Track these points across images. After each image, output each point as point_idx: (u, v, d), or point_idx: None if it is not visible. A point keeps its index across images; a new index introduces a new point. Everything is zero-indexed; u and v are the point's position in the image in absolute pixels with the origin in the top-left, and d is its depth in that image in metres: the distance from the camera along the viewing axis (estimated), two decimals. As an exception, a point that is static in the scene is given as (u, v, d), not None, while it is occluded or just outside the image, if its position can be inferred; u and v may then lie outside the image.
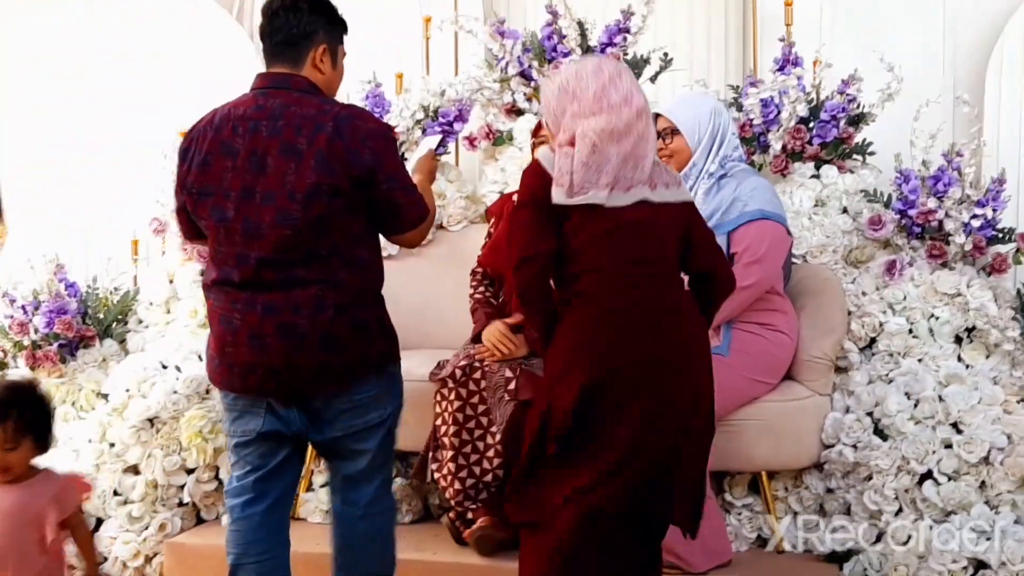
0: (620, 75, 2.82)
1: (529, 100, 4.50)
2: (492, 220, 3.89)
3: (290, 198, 2.64)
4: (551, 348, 2.82)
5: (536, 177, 2.78)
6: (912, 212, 3.92)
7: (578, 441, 2.73)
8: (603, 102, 2.76)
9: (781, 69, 4.25)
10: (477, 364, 3.49)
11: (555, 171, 2.74)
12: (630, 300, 2.75)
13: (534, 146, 3.75)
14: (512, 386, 3.43)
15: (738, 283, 3.42)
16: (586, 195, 2.71)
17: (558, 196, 2.71)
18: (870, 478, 3.55)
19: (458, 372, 3.47)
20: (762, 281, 3.50)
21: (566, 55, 4.41)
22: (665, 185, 2.82)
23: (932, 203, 3.88)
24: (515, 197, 3.77)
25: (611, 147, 2.72)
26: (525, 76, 4.48)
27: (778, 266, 3.59)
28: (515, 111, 4.52)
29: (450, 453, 3.45)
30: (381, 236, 2.87)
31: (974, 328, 3.80)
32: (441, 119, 4.40)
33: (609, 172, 2.72)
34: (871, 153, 4.25)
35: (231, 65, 4.91)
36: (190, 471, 3.88)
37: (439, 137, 3.26)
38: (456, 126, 4.44)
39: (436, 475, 3.48)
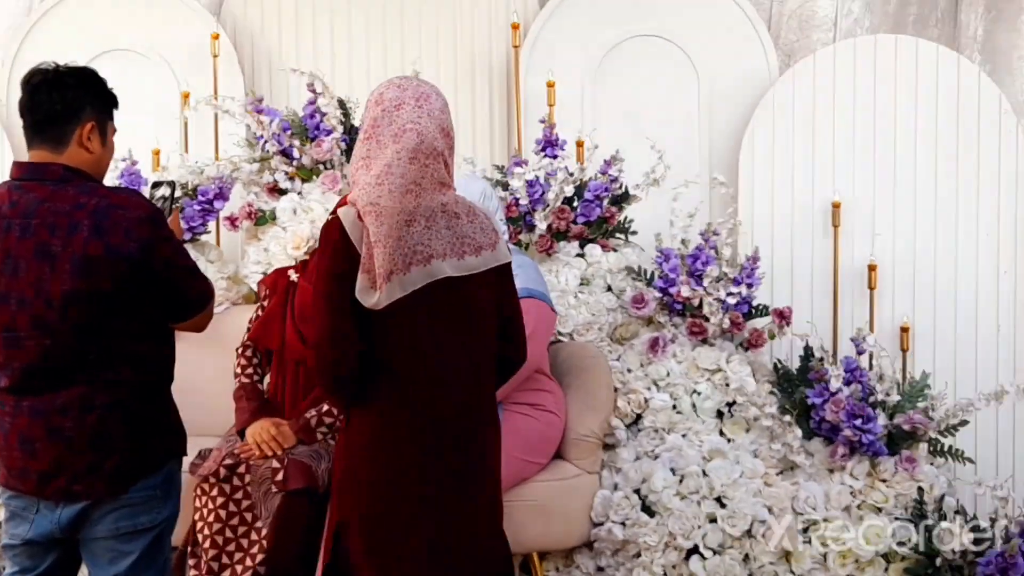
0: (401, 104, 2.54)
1: (291, 179, 4.40)
2: (265, 293, 3.74)
3: (47, 305, 2.45)
4: (344, 451, 2.63)
5: (339, 249, 2.49)
6: (673, 290, 4.00)
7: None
8: (371, 143, 2.53)
9: (544, 150, 4.30)
10: (242, 460, 3.34)
11: (361, 249, 2.48)
12: (434, 409, 2.55)
13: None
14: (279, 477, 3.28)
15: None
16: (391, 288, 2.46)
17: (366, 297, 2.47)
18: (639, 555, 3.58)
19: (222, 470, 3.31)
20: (531, 361, 3.48)
21: (328, 133, 4.34)
22: (476, 250, 2.57)
23: (687, 290, 3.96)
24: (292, 273, 3.66)
25: (393, 210, 2.47)
26: (286, 155, 4.38)
27: (545, 345, 3.61)
28: (277, 190, 4.40)
29: (212, 552, 3.26)
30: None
31: (734, 403, 3.90)
32: (201, 197, 4.26)
33: (403, 247, 2.47)
34: (633, 232, 4.33)
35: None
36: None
37: (164, 187, 2.97)
38: (216, 205, 4.31)
39: (193, 572, 3.29)
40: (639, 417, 3.87)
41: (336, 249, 2.51)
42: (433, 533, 2.58)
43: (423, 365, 2.54)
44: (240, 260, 4.47)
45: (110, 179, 4.10)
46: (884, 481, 3.73)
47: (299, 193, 4.38)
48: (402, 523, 2.57)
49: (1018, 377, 4.39)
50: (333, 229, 2.52)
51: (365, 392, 2.55)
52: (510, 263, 2.69)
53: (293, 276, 3.66)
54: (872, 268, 4.40)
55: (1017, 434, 4.45)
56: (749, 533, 3.59)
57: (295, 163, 4.41)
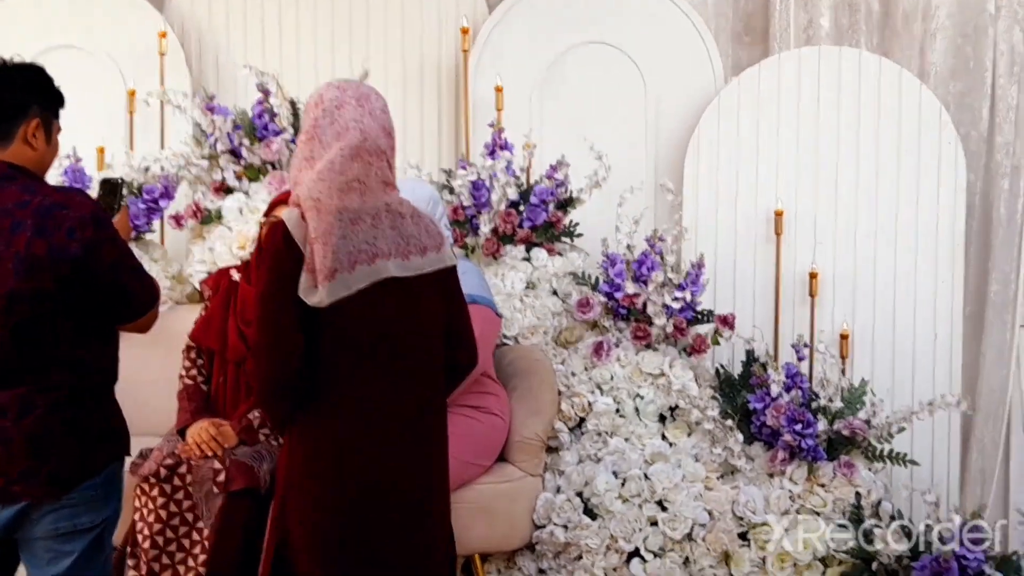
0: (342, 104, 2.53)
1: (239, 178, 4.40)
2: (208, 293, 3.73)
3: None
4: (288, 460, 2.61)
5: (282, 249, 2.48)
6: (618, 295, 4.03)
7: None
8: (314, 143, 2.52)
9: (492, 154, 4.32)
10: (183, 460, 3.32)
11: (305, 249, 2.46)
12: (381, 416, 2.53)
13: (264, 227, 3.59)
14: (221, 478, 3.27)
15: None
16: (335, 286, 2.45)
17: (309, 295, 2.45)
18: (580, 558, 3.60)
19: (162, 471, 3.29)
20: (477, 365, 3.50)
21: (277, 134, 4.34)
22: (421, 251, 2.57)
23: (635, 288, 4.00)
24: (234, 272, 3.65)
25: (335, 207, 2.46)
26: (235, 154, 4.37)
27: (489, 350, 3.62)
28: (224, 189, 4.39)
29: (153, 552, 3.24)
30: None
31: (677, 407, 3.93)
32: (146, 196, 4.23)
33: (347, 246, 2.46)
34: (579, 235, 4.37)
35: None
36: None
37: (112, 185, 2.96)
38: (162, 203, 4.28)
39: (132, 573, 3.26)
40: (582, 420, 3.90)
41: (279, 250, 2.49)
42: (384, 549, 2.57)
43: (369, 370, 2.53)
44: (185, 259, 4.43)
45: (54, 177, 4.09)
46: (823, 486, 3.78)
47: (246, 192, 4.38)
48: (350, 539, 2.55)
49: (954, 385, 4.48)
50: (276, 231, 2.51)
51: (307, 405, 2.54)
52: (455, 266, 2.70)
53: (235, 276, 3.65)
54: (813, 276, 4.46)
55: (952, 439, 4.53)
56: (690, 536, 3.63)
57: (243, 162, 4.40)
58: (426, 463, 2.64)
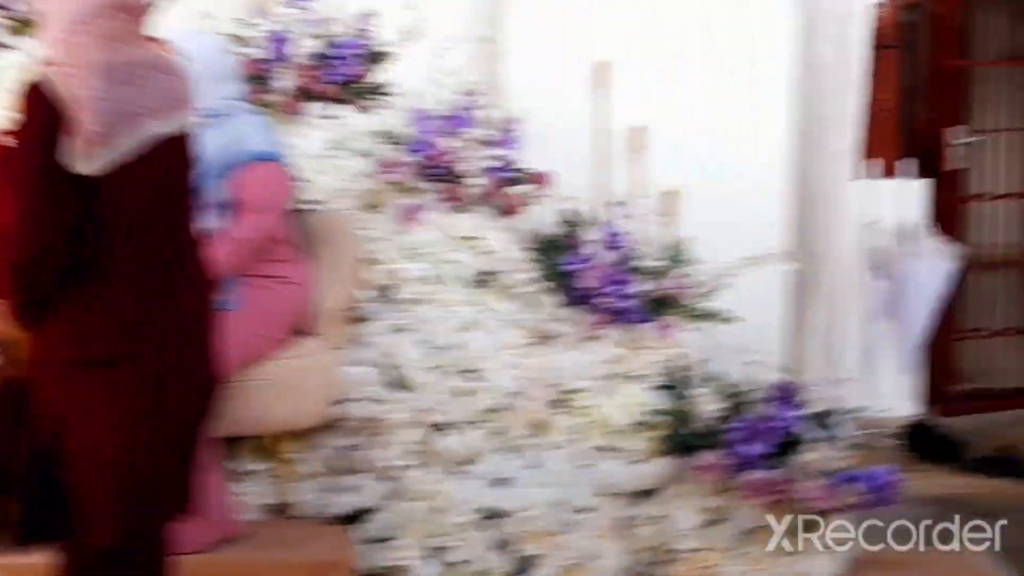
0: None
1: (14, 34, 4.07)
2: None
3: None
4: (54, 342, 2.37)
5: (36, 116, 2.26)
6: (428, 154, 3.82)
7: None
8: None
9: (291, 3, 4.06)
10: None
11: (65, 112, 2.24)
12: (167, 279, 2.38)
13: None
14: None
15: (241, 233, 3.30)
16: (104, 151, 2.25)
17: (77, 163, 2.23)
18: (387, 432, 3.47)
19: None
20: (268, 230, 3.37)
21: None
22: (181, 108, 2.39)
23: (448, 144, 3.80)
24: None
25: (96, 64, 2.26)
26: (3, 7, 4.05)
27: (280, 212, 3.43)
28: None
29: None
30: None
31: (491, 272, 3.79)
32: (-92, 59, 3.89)
33: (113, 107, 2.26)
34: (387, 93, 4.15)
35: None
36: None
37: None
38: (-73, 68, 3.94)
39: None
40: (389, 289, 3.72)
41: (34, 118, 2.27)
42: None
43: (148, 236, 2.36)
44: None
45: None
46: (642, 349, 3.70)
47: (24, 50, 4.00)
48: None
49: (781, 240, 4.42)
50: (30, 96, 2.28)
51: (82, 280, 2.32)
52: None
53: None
54: (637, 131, 4.28)
55: (774, 296, 4.49)
56: (503, 406, 3.53)
57: (17, 16, 4.07)
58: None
